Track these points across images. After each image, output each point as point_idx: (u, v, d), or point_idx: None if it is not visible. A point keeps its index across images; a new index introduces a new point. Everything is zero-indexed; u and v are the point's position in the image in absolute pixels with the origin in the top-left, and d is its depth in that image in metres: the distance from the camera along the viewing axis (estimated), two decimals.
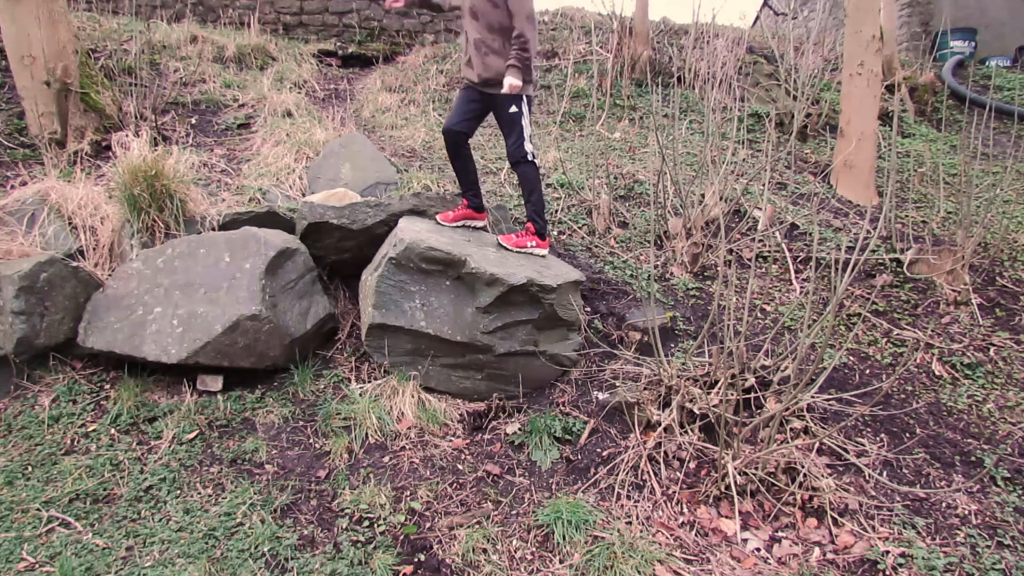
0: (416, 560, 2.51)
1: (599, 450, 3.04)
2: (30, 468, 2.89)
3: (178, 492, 2.80)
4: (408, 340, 3.32)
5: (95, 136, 4.70)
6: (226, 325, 3.18)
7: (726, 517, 2.74)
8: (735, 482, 2.73)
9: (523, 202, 3.75)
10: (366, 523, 2.67)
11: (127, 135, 4.59)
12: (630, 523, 2.67)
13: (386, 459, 3.01)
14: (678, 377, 3.11)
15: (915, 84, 7.27)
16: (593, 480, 2.89)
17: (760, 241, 4.43)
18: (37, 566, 2.43)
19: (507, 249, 3.61)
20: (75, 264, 3.46)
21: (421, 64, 7.58)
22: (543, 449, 3.04)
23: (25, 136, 4.73)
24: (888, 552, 2.54)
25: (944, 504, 2.81)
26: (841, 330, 3.76)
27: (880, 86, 5.48)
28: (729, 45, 7.08)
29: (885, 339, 3.75)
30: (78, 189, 3.87)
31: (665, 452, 2.96)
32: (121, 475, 2.86)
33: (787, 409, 2.93)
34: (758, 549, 2.60)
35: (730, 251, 4.29)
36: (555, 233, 4.45)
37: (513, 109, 3.49)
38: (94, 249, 3.67)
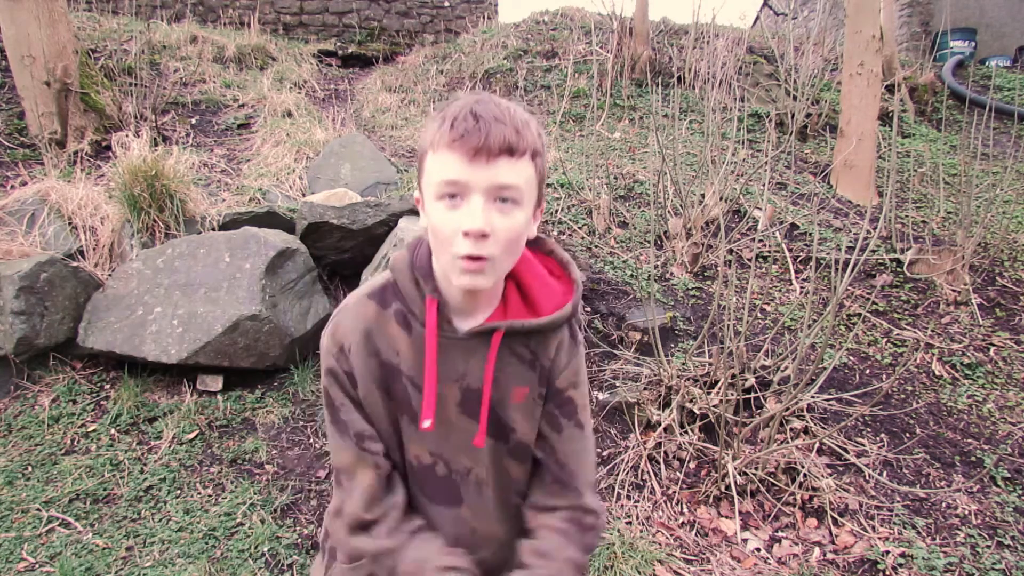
0: None
1: (599, 450, 3.03)
2: (30, 468, 2.89)
3: (178, 492, 2.80)
4: None
5: (95, 136, 4.70)
6: (226, 325, 3.18)
7: (726, 517, 2.73)
8: (735, 482, 2.73)
9: None
10: None
11: (127, 135, 4.59)
12: (630, 523, 2.67)
13: None
14: (678, 377, 3.10)
15: (915, 84, 7.27)
16: None
17: (760, 241, 4.43)
18: (37, 566, 2.43)
19: None
20: (75, 264, 3.46)
21: (421, 64, 7.58)
22: None
23: (25, 136, 4.73)
24: (888, 552, 2.54)
25: (944, 504, 2.81)
26: (841, 330, 3.76)
27: (880, 86, 5.48)
28: (729, 45, 7.08)
29: (885, 339, 3.75)
30: (78, 189, 3.87)
31: (665, 452, 2.95)
32: (121, 475, 2.86)
33: (787, 409, 2.93)
34: (758, 549, 2.60)
35: (730, 251, 4.29)
36: (555, 233, 4.45)
37: None
38: (94, 249, 3.67)
